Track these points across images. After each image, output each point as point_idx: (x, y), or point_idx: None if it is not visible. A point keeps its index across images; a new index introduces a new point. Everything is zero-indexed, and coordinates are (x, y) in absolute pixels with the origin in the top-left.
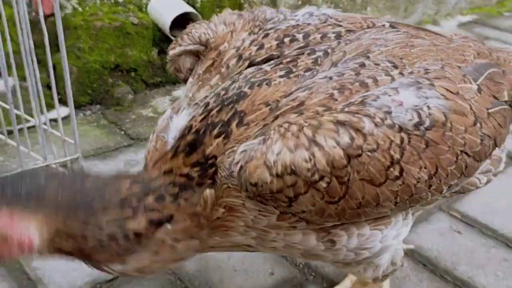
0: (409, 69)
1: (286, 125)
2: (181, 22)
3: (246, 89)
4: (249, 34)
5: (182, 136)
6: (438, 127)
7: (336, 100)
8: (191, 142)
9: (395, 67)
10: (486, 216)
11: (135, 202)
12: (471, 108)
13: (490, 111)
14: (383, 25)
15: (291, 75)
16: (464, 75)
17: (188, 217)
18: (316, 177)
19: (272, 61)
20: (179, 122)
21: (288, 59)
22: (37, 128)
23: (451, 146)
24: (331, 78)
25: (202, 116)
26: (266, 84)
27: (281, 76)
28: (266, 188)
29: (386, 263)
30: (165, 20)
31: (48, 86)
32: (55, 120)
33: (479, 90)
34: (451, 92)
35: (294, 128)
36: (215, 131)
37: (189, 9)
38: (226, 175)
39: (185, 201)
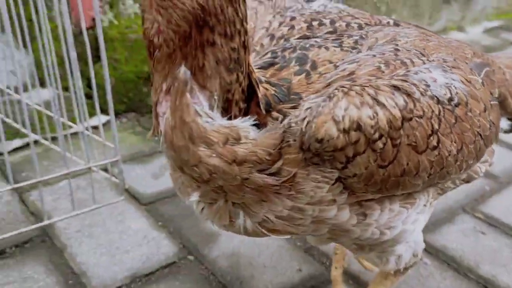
0: (431, 58)
1: (347, 85)
2: None
3: (307, 46)
4: (273, 17)
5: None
6: (463, 105)
7: (383, 72)
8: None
9: (422, 54)
10: (510, 217)
11: None
12: (480, 96)
13: (491, 103)
14: (388, 22)
15: (343, 48)
16: (471, 69)
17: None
18: (376, 135)
19: (315, 38)
20: None
21: (333, 38)
22: (80, 134)
23: (471, 126)
24: (374, 55)
25: (272, 54)
26: (324, 48)
27: (335, 46)
28: (330, 145)
29: (408, 255)
30: None
31: (87, 96)
32: (94, 127)
33: (483, 83)
34: (467, 81)
35: (357, 88)
36: (293, 64)
37: None
38: (288, 130)
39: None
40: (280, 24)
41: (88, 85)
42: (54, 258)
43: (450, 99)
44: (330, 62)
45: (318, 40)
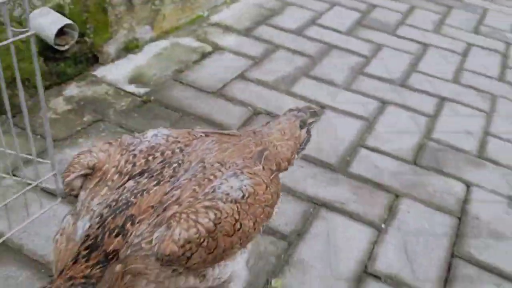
0: (228, 165)
1: (178, 215)
2: (60, 30)
3: (132, 199)
4: (121, 155)
5: (82, 243)
6: (251, 194)
7: (197, 192)
8: (89, 247)
9: (222, 165)
10: (310, 150)
11: None
12: (263, 180)
13: (270, 178)
14: (201, 136)
15: (161, 183)
16: (255, 161)
17: None
18: (201, 240)
19: (145, 174)
20: (84, 226)
21: (157, 172)
22: None
23: (260, 204)
24: (190, 179)
25: (98, 225)
26: (146, 193)
27: (155, 185)
28: (175, 256)
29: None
30: (48, 33)
31: None
32: None
33: (263, 168)
34: (252, 173)
35: (184, 216)
36: (114, 233)
37: (67, 21)
38: (136, 249)
39: None
40: (126, 161)
41: None
42: None
43: (243, 196)
44: (152, 207)
45: (144, 181)
